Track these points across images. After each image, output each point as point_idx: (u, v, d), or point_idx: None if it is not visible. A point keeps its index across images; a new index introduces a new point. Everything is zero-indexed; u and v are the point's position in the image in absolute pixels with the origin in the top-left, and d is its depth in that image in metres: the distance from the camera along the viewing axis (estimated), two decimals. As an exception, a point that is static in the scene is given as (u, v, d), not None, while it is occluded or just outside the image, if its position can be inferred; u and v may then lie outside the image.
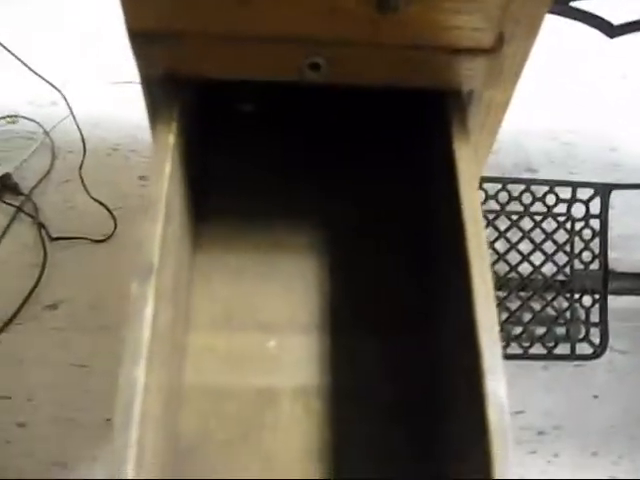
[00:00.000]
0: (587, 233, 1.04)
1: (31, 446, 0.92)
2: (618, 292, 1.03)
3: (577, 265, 1.03)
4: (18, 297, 1.01)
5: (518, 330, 1.00)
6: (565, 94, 1.26)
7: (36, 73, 1.16)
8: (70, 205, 1.10)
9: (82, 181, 1.10)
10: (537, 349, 1.00)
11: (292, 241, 0.51)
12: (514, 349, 0.99)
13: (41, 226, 1.07)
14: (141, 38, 0.39)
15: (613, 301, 1.03)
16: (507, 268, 1.02)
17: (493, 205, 1.04)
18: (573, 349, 1.01)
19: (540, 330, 1.01)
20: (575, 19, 0.77)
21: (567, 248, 1.03)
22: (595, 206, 1.04)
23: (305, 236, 0.51)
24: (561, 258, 1.03)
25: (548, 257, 1.02)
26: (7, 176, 1.11)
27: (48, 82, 1.17)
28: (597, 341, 1.01)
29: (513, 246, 1.03)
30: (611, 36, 0.79)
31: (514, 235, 1.03)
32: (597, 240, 1.03)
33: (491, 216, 1.04)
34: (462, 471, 0.40)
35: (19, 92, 1.20)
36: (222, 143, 0.55)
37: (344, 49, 0.40)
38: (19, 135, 1.17)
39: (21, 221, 1.09)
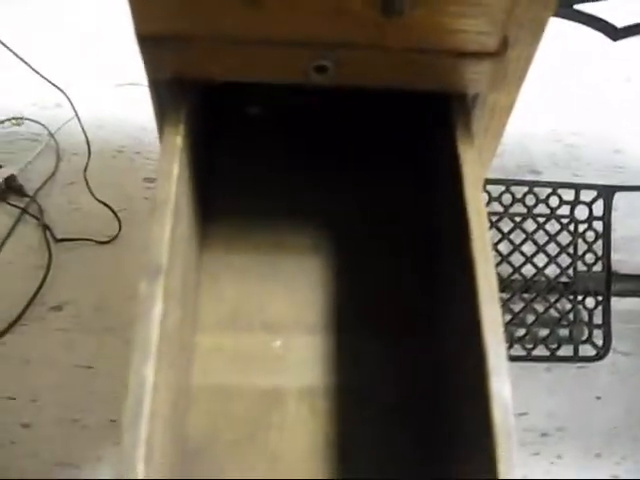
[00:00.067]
0: (590, 235, 1.04)
1: (35, 447, 0.92)
2: (621, 294, 1.04)
3: (580, 267, 1.03)
4: (23, 298, 1.01)
5: (521, 332, 1.01)
6: (569, 97, 1.26)
7: (40, 74, 1.16)
8: (75, 207, 1.11)
9: (87, 183, 1.10)
10: (540, 351, 1.00)
11: (297, 242, 0.51)
12: (517, 351, 0.99)
13: (46, 228, 1.08)
14: (150, 42, 0.39)
15: (616, 303, 1.03)
16: (510, 270, 1.02)
17: (496, 207, 1.04)
18: (576, 351, 1.01)
19: (543, 332, 1.01)
20: (579, 22, 0.77)
21: (570, 250, 1.03)
22: (598, 208, 1.04)
23: (310, 237, 0.52)
24: (564, 260, 1.03)
25: (551, 259, 1.02)
26: (12, 178, 1.11)
27: (52, 83, 1.17)
28: (600, 343, 1.01)
29: (516, 248, 1.03)
30: (615, 39, 0.79)
31: (517, 237, 1.03)
32: (600, 242, 1.03)
33: (494, 218, 1.04)
34: (466, 472, 0.40)
35: (24, 94, 1.20)
36: (228, 145, 0.56)
37: (350, 52, 0.40)
38: (24, 137, 1.17)
39: (26, 223, 1.09)
